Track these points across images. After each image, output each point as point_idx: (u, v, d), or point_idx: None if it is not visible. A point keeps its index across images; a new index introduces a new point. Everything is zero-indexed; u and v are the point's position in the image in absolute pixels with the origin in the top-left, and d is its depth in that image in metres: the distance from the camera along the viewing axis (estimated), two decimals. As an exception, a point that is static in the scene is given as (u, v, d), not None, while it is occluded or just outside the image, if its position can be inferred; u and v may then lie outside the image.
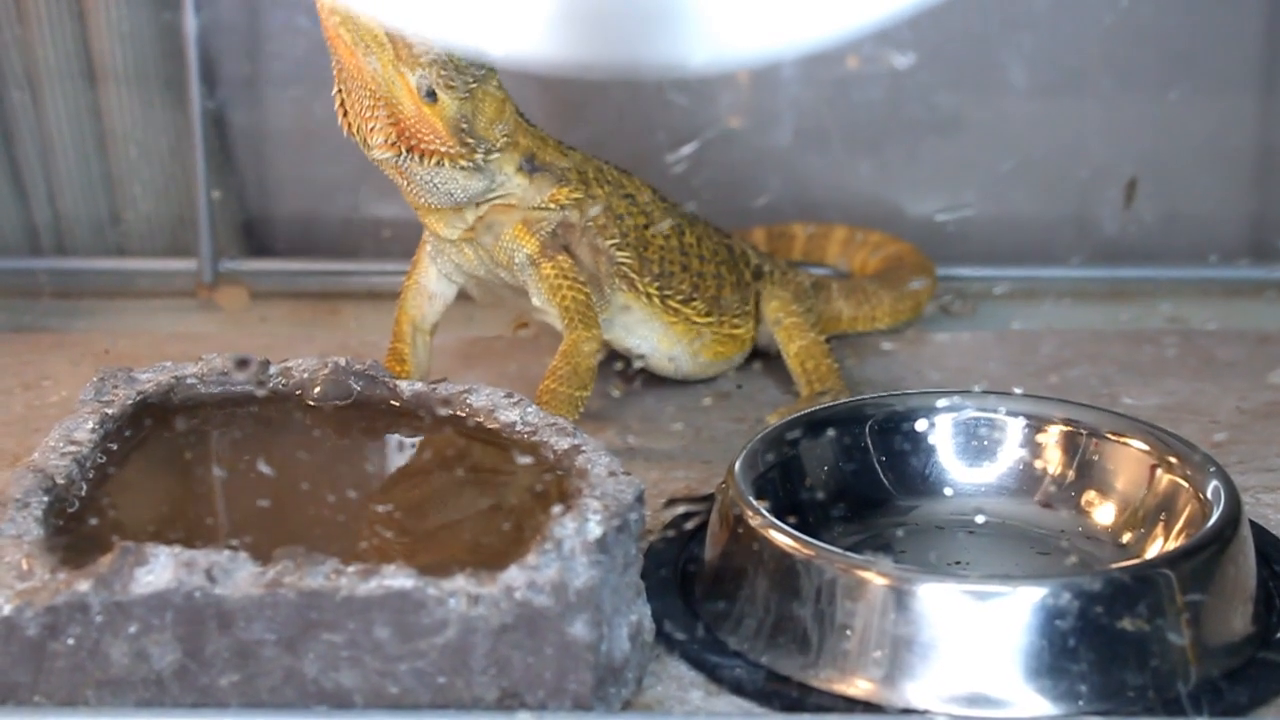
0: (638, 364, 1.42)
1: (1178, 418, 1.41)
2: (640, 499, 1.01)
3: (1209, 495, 1.07)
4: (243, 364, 1.16)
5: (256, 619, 0.92)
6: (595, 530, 0.95)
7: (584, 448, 1.06)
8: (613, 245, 1.34)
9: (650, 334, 1.39)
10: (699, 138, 1.73)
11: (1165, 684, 0.98)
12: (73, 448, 1.06)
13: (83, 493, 1.04)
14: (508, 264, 1.32)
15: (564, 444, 1.07)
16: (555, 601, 0.92)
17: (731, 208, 1.71)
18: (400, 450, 1.13)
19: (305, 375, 1.17)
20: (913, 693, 0.97)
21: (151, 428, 1.14)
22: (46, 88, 1.73)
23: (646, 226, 1.38)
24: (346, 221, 1.80)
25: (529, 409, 1.12)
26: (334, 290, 1.74)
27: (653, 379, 1.47)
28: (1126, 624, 0.97)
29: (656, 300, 1.38)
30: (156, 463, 1.11)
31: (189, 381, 1.17)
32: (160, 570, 0.92)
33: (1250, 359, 1.55)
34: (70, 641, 0.92)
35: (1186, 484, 1.11)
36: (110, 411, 1.11)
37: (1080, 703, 0.96)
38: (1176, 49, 1.78)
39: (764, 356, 1.52)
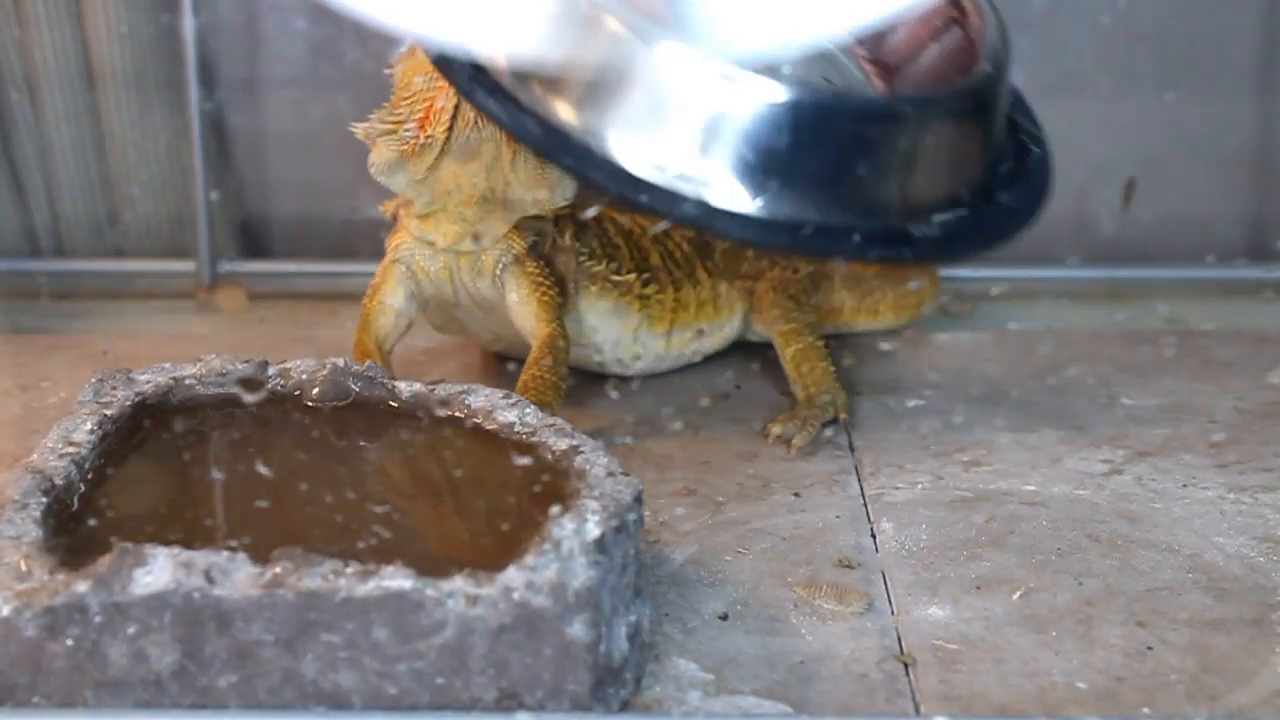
0: (595, 359, 1.46)
1: (1176, 417, 1.41)
2: (639, 499, 1.01)
3: (985, 52, 1.08)
4: (249, 384, 1.16)
5: (255, 620, 0.92)
6: (594, 531, 0.95)
7: (582, 448, 1.06)
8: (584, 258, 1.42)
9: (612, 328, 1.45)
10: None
11: (882, 215, 0.99)
12: (71, 449, 1.06)
13: (81, 494, 1.04)
14: (490, 269, 1.36)
15: (562, 444, 1.07)
16: (554, 602, 0.92)
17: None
18: (398, 451, 1.13)
19: (304, 376, 1.17)
20: (622, 140, 0.98)
21: (150, 429, 1.14)
22: (45, 89, 1.73)
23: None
24: (345, 223, 1.80)
25: (527, 410, 1.12)
26: (332, 291, 1.74)
27: (650, 380, 1.48)
28: (860, 148, 0.97)
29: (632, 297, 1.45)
30: (155, 464, 1.11)
31: (187, 382, 1.17)
32: (159, 571, 0.92)
33: (1248, 359, 1.55)
34: (69, 642, 0.92)
35: (966, 33, 1.11)
36: (109, 413, 1.11)
37: (782, 207, 0.98)
38: (1174, 50, 1.78)
39: (763, 358, 1.52)
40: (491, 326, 1.42)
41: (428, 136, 1.30)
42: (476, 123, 1.29)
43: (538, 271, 1.36)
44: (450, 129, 1.30)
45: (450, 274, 1.37)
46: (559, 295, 1.37)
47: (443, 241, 1.36)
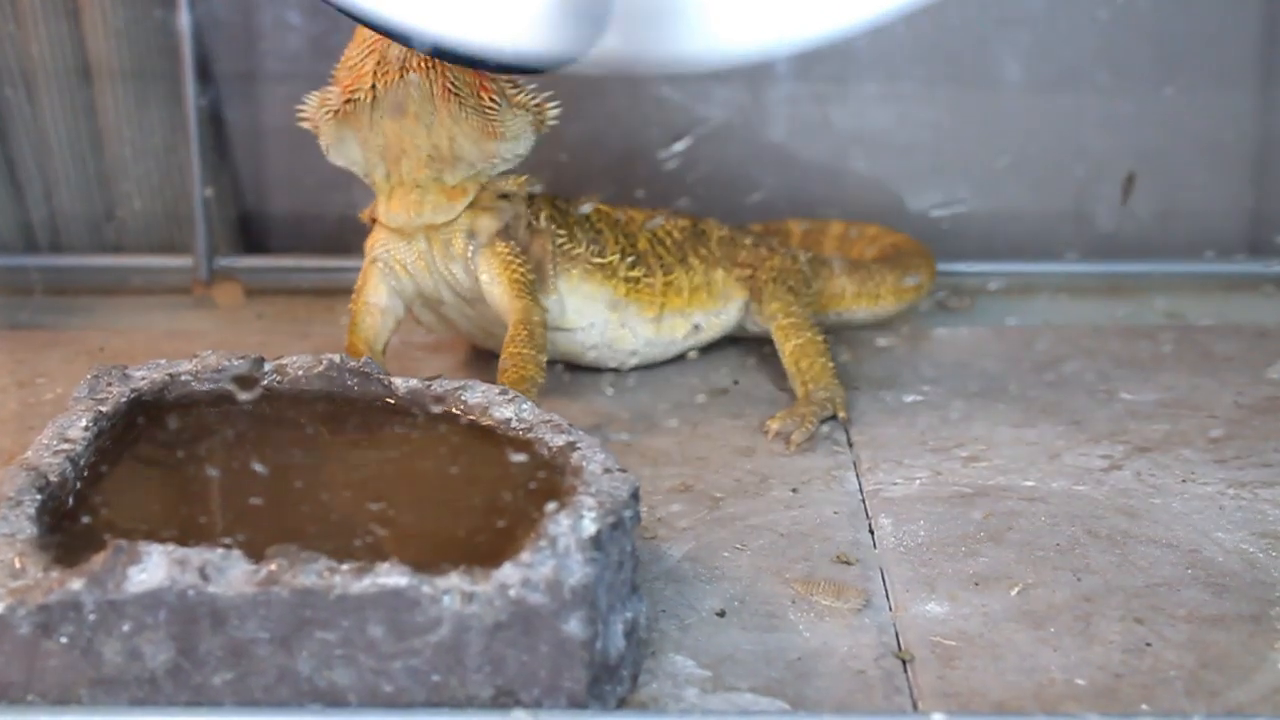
0: (591, 355, 1.46)
1: (1175, 413, 1.41)
2: (635, 495, 1.01)
3: None
4: (245, 380, 1.16)
5: (250, 617, 0.91)
6: (590, 527, 0.95)
7: (579, 444, 1.06)
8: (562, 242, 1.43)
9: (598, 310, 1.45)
10: (692, 133, 1.73)
11: None
12: (66, 445, 1.06)
13: (76, 491, 1.04)
14: (462, 252, 1.37)
15: (559, 441, 1.07)
16: (550, 599, 0.92)
17: (726, 204, 1.71)
18: (394, 447, 1.13)
19: (300, 372, 1.17)
20: None
21: (145, 425, 1.13)
22: (41, 85, 1.73)
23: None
24: (341, 218, 1.80)
25: (524, 406, 1.12)
26: (329, 287, 1.73)
27: (647, 376, 1.47)
28: None
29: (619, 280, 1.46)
30: (150, 460, 1.11)
31: (183, 379, 1.17)
32: (153, 568, 0.92)
33: (1247, 354, 1.55)
34: (63, 640, 0.92)
35: None
36: (104, 409, 1.11)
37: None
38: (1173, 44, 1.78)
39: (760, 353, 1.52)
40: (480, 323, 1.42)
41: (352, 92, 1.31)
42: (401, 77, 1.30)
43: (508, 251, 1.37)
44: (374, 85, 1.31)
45: (427, 263, 1.38)
46: (531, 274, 1.38)
47: (408, 215, 1.36)
